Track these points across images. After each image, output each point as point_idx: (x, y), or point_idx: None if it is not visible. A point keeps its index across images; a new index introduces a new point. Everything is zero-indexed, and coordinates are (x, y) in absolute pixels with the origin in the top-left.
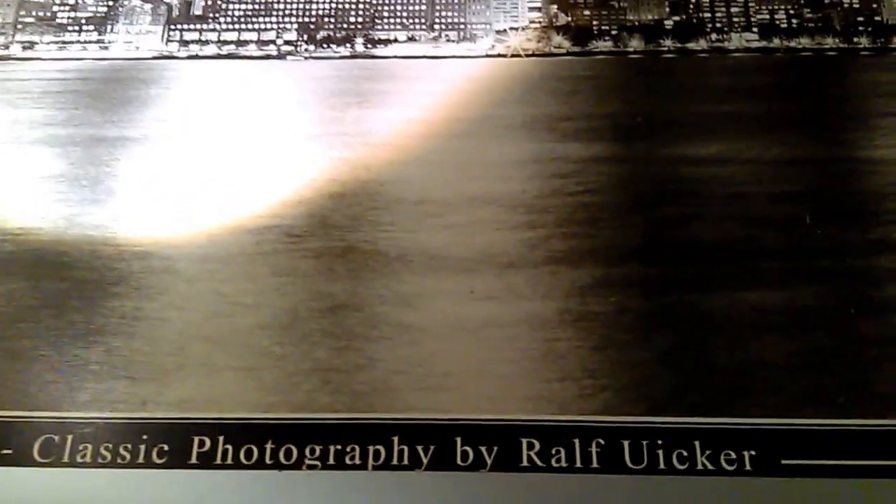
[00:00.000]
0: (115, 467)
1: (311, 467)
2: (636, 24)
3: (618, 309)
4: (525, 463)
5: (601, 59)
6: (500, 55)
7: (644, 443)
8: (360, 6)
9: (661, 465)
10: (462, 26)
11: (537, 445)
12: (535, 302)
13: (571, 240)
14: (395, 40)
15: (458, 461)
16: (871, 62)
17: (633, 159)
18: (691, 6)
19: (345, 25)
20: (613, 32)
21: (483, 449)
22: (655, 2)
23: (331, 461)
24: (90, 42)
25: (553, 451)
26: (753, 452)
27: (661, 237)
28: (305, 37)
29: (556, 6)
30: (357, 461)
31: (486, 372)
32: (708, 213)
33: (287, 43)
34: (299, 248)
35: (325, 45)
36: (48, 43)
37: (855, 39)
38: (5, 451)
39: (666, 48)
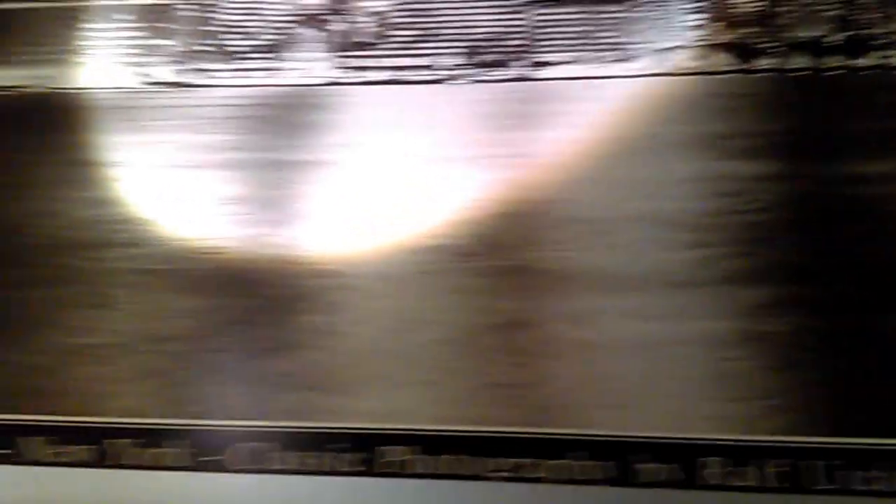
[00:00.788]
0: (308, 474)
1: (489, 479)
2: (799, 40)
3: (793, 328)
4: (705, 482)
5: (763, 76)
6: (661, 74)
7: (826, 463)
8: (521, 29)
9: (847, 486)
10: (623, 46)
11: (717, 464)
12: (707, 321)
13: (742, 258)
14: (557, 62)
15: (638, 479)
16: None
17: (800, 177)
18: (856, 22)
19: (506, 49)
20: (776, 49)
21: (663, 467)
22: (820, 18)
23: (509, 474)
24: (264, 69)
25: (734, 471)
26: None
27: (833, 256)
28: (468, 61)
29: (717, 24)
30: (535, 475)
31: (662, 390)
32: (880, 232)
33: (451, 67)
34: (470, 267)
35: (487, 69)
36: (225, 70)
37: None
38: (209, 458)
39: (830, 65)
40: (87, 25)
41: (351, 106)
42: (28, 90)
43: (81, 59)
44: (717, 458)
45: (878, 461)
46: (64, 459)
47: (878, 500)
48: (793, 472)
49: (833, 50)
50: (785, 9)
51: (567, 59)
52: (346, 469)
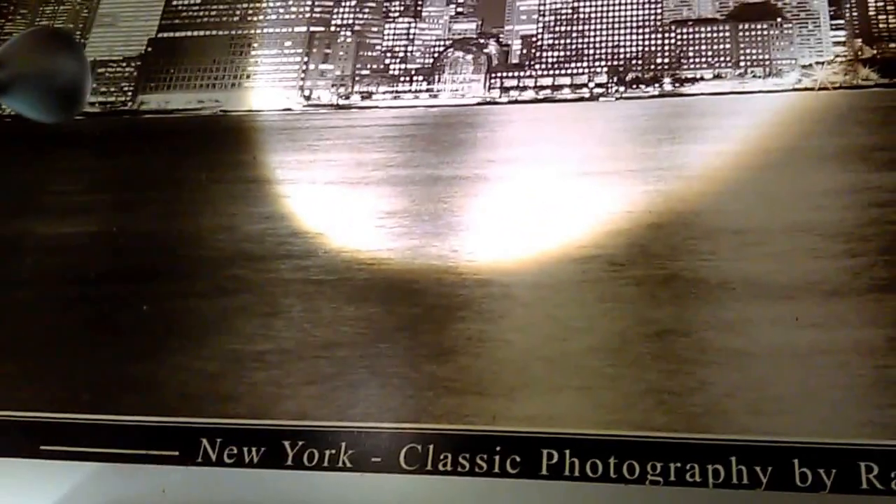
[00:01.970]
0: (472, 475)
1: (653, 483)
2: None
3: None
4: (865, 486)
5: None
6: (806, 89)
7: None
8: (667, 47)
9: None
10: (767, 62)
11: (876, 469)
12: (861, 329)
13: (892, 267)
14: (702, 78)
15: (797, 482)
16: None
17: None
18: None
19: (652, 66)
20: None
21: (822, 472)
22: None
23: (672, 478)
24: (420, 91)
25: (893, 475)
26: None
27: None
28: (616, 79)
29: (860, 40)
30: (697, 479)
31: (817, 397)
32: None
33: (598, 85)
34: (623, 276)
35: (634, 86)
36: (383, 92)
37: None
38: (374, 459)
39: None
40: (256, 51)
41: (504, 124)
42: (202, 113)
43: (251, 83)
44: (874, 464)
45: None
46: (237, 461)
47: None
48: None
49: None
50: None
51: (714, 75)
52: (507, 471)
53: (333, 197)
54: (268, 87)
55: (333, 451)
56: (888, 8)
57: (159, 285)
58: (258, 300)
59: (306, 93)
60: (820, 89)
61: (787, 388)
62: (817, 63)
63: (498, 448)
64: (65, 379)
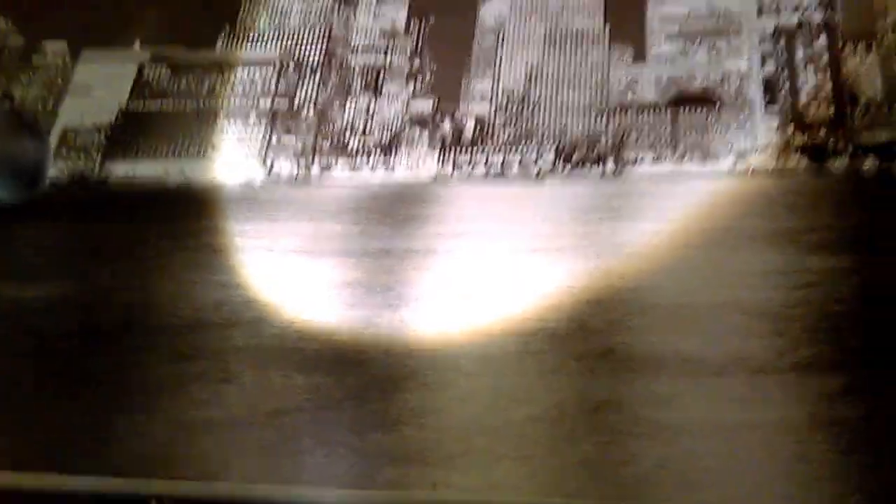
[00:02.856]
0: None
1: None
2: (870, 144)
3: (866, 415)
4: None
5: (837, 176)
6: (740, 173)
7: None
8: (610, 130)
9: None
10: (705, 146)
11: None
12: (785, 407)
13: (818, 347)
14: (643, 160)
15: None
16: None
17: (874, 271)
18: None
19: (597, 148)
20: (848, 151)
21: None
22: (886, 122)
23: None
24: (377, 166)
25: None
26: None
27: None
28: (562, 159)
29: (792, 127)
30: None
31: (743, 472)
32: None
33: (546, 165)
34: (563, 350)
35: (579, 166)
36: (342, 167)
37: None
38: None
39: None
40: (222, 124)
41: (455, 199)
42: (167, 182)
43: (216, 154)
44: None
45: None
46: None
47: None
48: None
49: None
50: (856, 115)
51: (654, 157)
52: None
53: (290, 266)
54: (231, 158)
55: None
56: (819, 97)
57: (117, 349)
58: (212, 367)
59: (268, 165)
60: (753, 173)
61: (715, 462)
62: (751, 148)
63: None
64: (16, 437)
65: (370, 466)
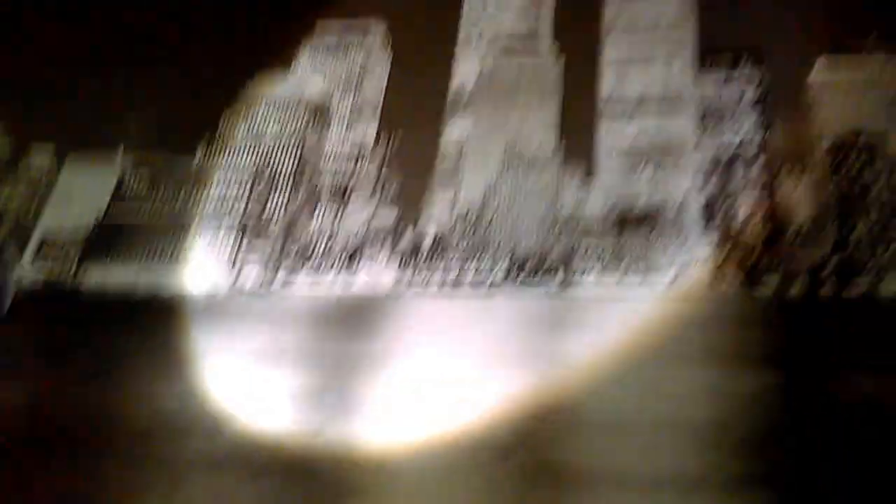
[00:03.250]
0: None
1: None
2: (800, 267)
3: None
4: None
5: (767, 298)
6: (678, 292)
7: None
8: (559, 247)
9: None
10: (647, 262)
11: None
12: None
13: (748, 462)
14: (590, 274)
15: None
16: None
17: (801, 389)
18: (849, 256)
19: (545, 264)
20: (780, 271)
21: None
22: (819, 244)
23: None
24: (338, 277)
25: None
26: None
27: (826, 460)
28: (513, 272)
29: (728, 246)
30: None
31: None
32: (871, 441)
33: (498, 278)
34: (507, 462)
35: (529, 280)
36: (305, 275)
37: None
38: None
39: (825, 293)
40: (193, 235)
41: (410, 310)
42: (138, 290)
43: (185, 264)
44: None
45: None
46: None
47: None
48: None
49: (829, 276)
50: (788, 236)
51: (598, 276)
52: None
53: (248, 374)
54: (201, 266)
55: None
56: (754, 219)
57: (73, 453)
58: (164, 475)
59: (235, 273)
60: (688, 294)
61: None
62: (689, 265)
63: None
64: None
65: None
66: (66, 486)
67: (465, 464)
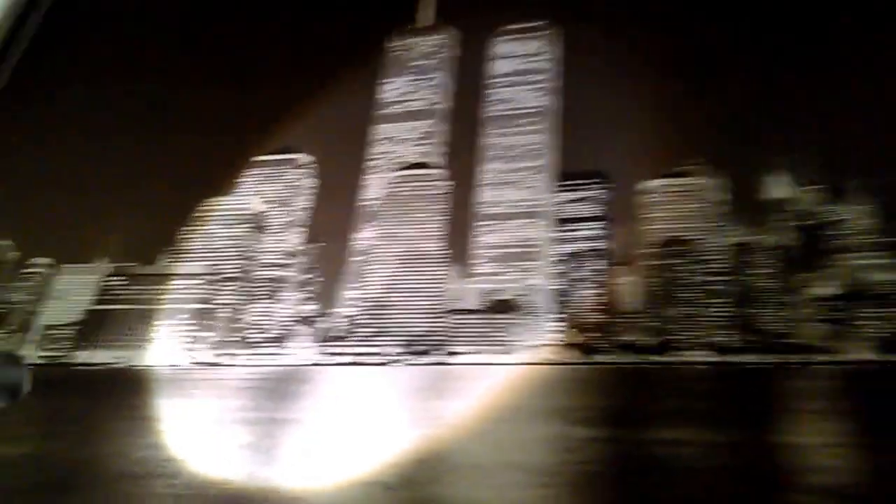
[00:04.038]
0: None
1: None
2: (627, 343)
3: None
4: None
5: (603, 367)
6: (531, 363)
7: None
8: (443, 329)
9: None
10: (508, 342)
11: None
12: None
13: (579, 498)
14: (465, 352)
15: None
16: (794, 373)
17: (622, 440)
18: (666, 329)
19: (432, 342)
20: (612, 348)
21: None
22: (641, 328)
23: None
24: (269, 354)
25: None
26: None
27: (642, 500)
28: (407, 350)
29: (574, 329)
30: None
31: None
32: (676, 482)
33: (393, 355)
34: (394, 497)
35: (419, 356)
36: (244, 354)
37: (782, 356)
38: None
39: (648, 362)
40: (159, 321)
41: (326, 380)
42: (116, 366)
43: (153, 345)
44: None
45: None
46: None
47: None
48: None
49: (650, 350)
50: (617, 321)
51: (472, 351)
52: None
53: (200, 432)
54: (164, 347)
55: None
56: (593, 307)
57: (62, 499)
58: None
59: (191, 353)
60: (539, 364)
61: None
62: (541, 345)
63: None
64: None
65: None
66: None
67: (363, 497)
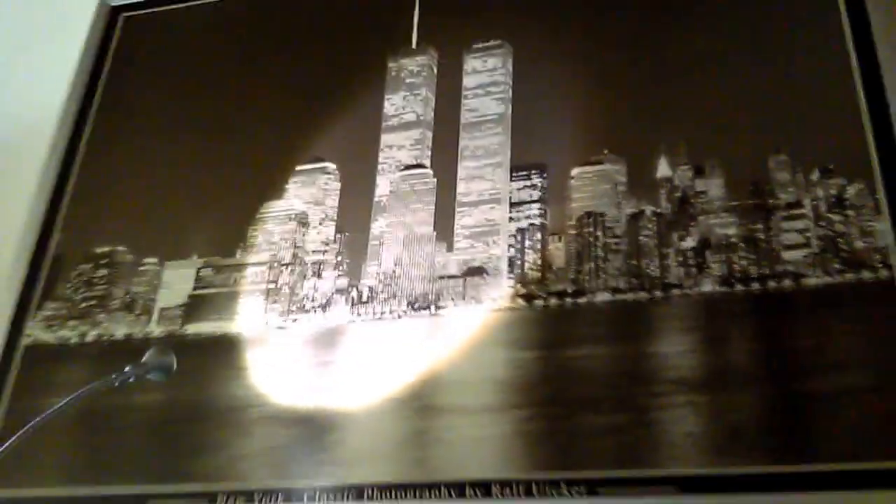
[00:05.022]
0: None
1: None
2: (555, 291)
3: None
4: None
5: (539, 309)
6: (494, 310)
7: None
8: (434, 290)
9: None
10: (478, 296)
11: None
12: None
13: (522, 396)
14: (449, 306)
15: None
16: (663, 302)
17: (550, 357)
18: (581, 279)
19: (427, 301)
20: (545, 295)
21: None
22: (565, 280)
23: None
24: (318, 316)
25: None
26: None
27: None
28: (409, 308)
29: (520, 284)
30: None
31: None
32: (583, 384)
33: (401, 311)
34: (405, 406)
35: (418, 311)
36: (301, 318)
37: (655, 292)
38: None
39: (569, 304)
40: (240, 300)
41: (358, 332)
42: (212, 335)
43: (238, 317)
44: None
45: None
46: None
47: None
48: None
49: (568, 294)
50: (548, 276)
51: (454, 304)
52: None
53: (277, 373)
54: (247, 318)
55: None
56: (534, 267)
57: (191, 427)
58: (239, 429)
59: (266, 320)
60: (499, 310)
61: None
62: (499, 297)
63: None
64: None
65: None
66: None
67: (390, 407)
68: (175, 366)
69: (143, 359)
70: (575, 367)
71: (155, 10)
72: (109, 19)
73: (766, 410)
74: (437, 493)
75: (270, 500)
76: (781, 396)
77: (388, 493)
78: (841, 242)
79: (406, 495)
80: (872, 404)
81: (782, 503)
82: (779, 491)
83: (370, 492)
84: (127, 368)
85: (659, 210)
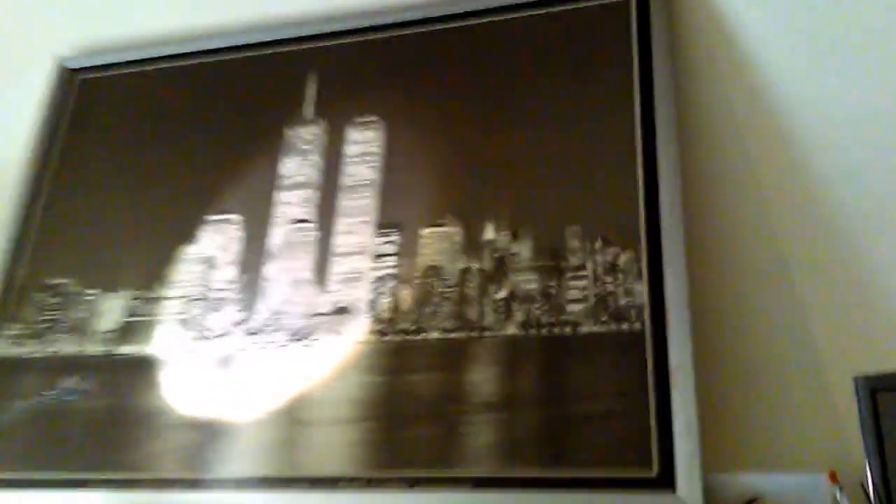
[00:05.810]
0: None
1: None
2: (401, 329)
3: None
4: None
5: (387, 342)
6: (354, 343)
7: None
8: (314, 324)
9: None
10: (342, 332)
11: None
12: None
13: (372, 410)
14: (321, 338)
15: None
16: (478, 341)
17: (392, 382)
18: (421, 320)
19: (306, 331)
20: (394, 332)
21: None
22: (409, 320)
23: None
24: (217, 340)
25: None
26: None
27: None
28: (292, 338)
29: (375, 321)
30: None
31: None
32: (426, 409)
33: (284, 342)
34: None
35: (299, 341)
36: (208, 341)
37: (473, 332)
38: None
39: (410, 340)
40: (161, 326)
41: (251, 359)
42: (136, 355)
43: (157, 340)
44: None
45: None
46: None
47: None
48: None
49: (410, 332)
50: (397, 316)
51: (325, 335)
52: None
53: (186, 387)
54: (165, 341)
55: None
56: (387, 309)
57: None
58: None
59: (179, 342)
60: (357, 343)
61: None
62: (359, 332)
63: None
64: None
65: None
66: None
67: (270, 418)
68: (84, 391)
69: (65, 384)
70: (409, 389)
71: (110, 73)
72: (67, 80)
73: (542, 427)
74: (300, 485)
75: (178, 487)
76: (554, 417)
77: (266, 484)
78: (610, 299)
79: (279, 486)
80: (617, 427)
81: (549, 500)
82: (547, 490)
83: (253, 483)
84: (53, 391)
85: (482, 267)
